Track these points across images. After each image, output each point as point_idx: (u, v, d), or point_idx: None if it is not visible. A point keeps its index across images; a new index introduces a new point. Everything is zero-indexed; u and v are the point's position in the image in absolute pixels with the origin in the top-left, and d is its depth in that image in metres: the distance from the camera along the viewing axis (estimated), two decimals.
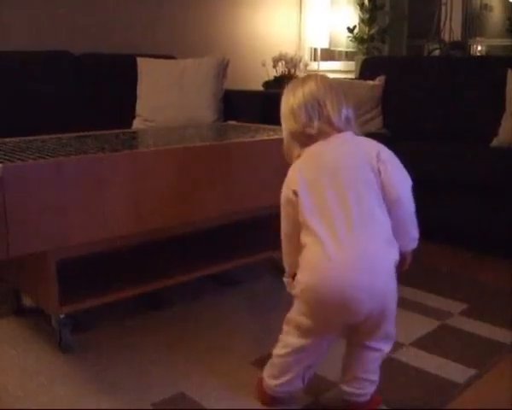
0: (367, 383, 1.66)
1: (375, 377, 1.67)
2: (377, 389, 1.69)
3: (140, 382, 1.85)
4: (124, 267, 2.34)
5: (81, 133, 2.57)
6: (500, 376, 1.91)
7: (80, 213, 1.89)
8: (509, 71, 3.39)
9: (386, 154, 1.61)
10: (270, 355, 1.98)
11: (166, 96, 3.68)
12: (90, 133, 2.58)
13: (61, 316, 2.01)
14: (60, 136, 2.49)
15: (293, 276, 1.65)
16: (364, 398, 1.67)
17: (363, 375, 1.65)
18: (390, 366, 1.94)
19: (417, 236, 1.64)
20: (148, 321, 2.27)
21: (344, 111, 1.66)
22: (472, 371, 1.92)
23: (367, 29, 4.85)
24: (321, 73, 1.80)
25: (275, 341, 2.10)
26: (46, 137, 2.44)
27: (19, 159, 1.86)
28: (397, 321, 2.25)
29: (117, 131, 2.71)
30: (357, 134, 1.68)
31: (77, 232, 1.90)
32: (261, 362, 1.95)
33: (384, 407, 1.72)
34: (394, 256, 1.56)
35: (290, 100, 1.69)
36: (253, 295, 2.52)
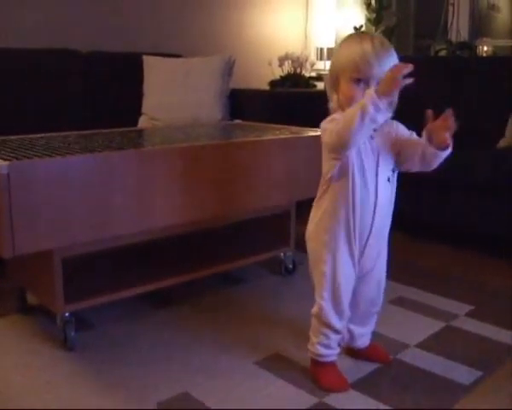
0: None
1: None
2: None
3: (144, 381, 1.85)
4: (129, 265, 2.33)
5: (87, 131, 2.57)
6: (506, 377, 1.90)
7: (86, 212, 1.88)
8: None
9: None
10: (273, 356, 1.99)
11: (172, 95, 3.67)
12: (97, 131, 2.57)
13: (66, 314, 2.01)
14: (66, 134, 2.49)
15: None
16: None
17: None
18: (395, 366, 1.94)
19: None
20: (151, 319, 2.27)
21: None
22: (478, 373, 1.91)
23: (373, 29, 4.83)
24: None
25: (279, 341, 2.10)
26: (53, 134, 2.44)
27: (25, 157, 1.86)
28: (402, 322, 2.26)
29: (123, 129, 2.70)
30: None
31: (83, 231, 1.89)
32: (265, 362, 1.95)
33: (389, 408, 1.71)
34: None
35: None
36: (258, 295, 2.51)
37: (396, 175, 1.79)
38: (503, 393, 1.81)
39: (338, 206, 1.73)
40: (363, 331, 1.94)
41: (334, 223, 1.74)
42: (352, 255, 1.76)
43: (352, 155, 1.68)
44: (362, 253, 1.77)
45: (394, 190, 1.79)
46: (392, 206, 1.80)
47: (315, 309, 1.82)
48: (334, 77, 1.71)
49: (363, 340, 1.95)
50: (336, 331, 1.82)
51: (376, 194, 1.72)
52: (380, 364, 1.94)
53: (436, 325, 2.25)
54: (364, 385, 1.83)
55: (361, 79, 1.64)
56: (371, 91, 1.55)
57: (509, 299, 2.51)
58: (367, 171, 1.70)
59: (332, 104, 1.75)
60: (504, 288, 2.62)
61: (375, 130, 1.68)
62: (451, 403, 1.75)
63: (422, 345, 2.09)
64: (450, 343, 2.11)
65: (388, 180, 1.75)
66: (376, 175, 1.72)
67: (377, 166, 1.72)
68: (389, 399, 1.75)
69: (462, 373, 1.91)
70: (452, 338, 2.15)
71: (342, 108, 1.70)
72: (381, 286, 1.89)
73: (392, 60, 1.66)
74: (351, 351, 1.98)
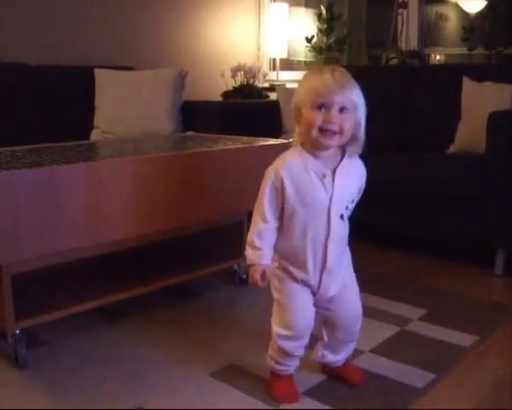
0: None
1: None
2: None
3: (98, 397, 1.82)
4: (81, 280, 2.30)
5: (36, 145, 2.53)
6: (459, 379, 1.92)
7: (35, 226, 1.85)
8: (465, 79, 3.44)
9: None
10: (229, 367, 1.97)
11: (125, 108, 3.66)
12: (46, 145, 2.54)
13: (17, 331, 1.97)
14: (15, 148, 2.44)
15: None
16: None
17: None
18: None
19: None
20: (103, 335, 2.23)
21: None
22: (432, 376, 1.93)
23: (325, 39, 4.88)
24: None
25: (234, 351, 2.09)
26: (0, 149, 2.40)
27: None
28: None
29: (73, 143, 2.67)
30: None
31: (32, 245, 1.86)
32: (220, 374, 1.94)
33: None
34: None
35: None
36: (212, 307, 2.50)
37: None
38: (455, 394, 1.84)
39: None
40: (335, 359, 1.89)
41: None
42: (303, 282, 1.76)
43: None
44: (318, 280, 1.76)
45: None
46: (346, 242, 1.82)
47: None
48: (297, 109, 1.68)
49: (335, 364, 1.90)
50: (288, 354, 1.79)
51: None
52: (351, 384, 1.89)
53: (390, 330, 2.26)
54: (319, 392, 1.83)
55: (322, 104, 1.61)
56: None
57: (461, 301, 2.54)
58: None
59: (295, 137, 1.72)
60: (457, 291, 2.66)
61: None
62: (405, 406, 1.76)
63: (377, 350, 2.11)
64: (405, 347, 2.13)
65: (341, 217, 1.73)
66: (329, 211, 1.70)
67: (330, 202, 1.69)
68: (344, 405, 1.76)
69: (417, 376, 1.93)
70: (406, 342, 2.17)
71: (304, 136, 1.68)
72: (355, 319, 1.88)
73: (355, 90, 1.66)
74: (324, 369, 1.94)
